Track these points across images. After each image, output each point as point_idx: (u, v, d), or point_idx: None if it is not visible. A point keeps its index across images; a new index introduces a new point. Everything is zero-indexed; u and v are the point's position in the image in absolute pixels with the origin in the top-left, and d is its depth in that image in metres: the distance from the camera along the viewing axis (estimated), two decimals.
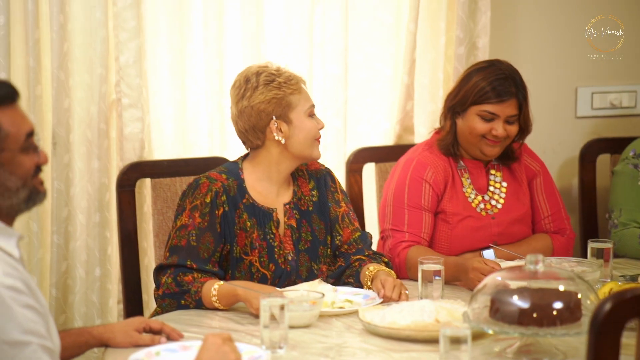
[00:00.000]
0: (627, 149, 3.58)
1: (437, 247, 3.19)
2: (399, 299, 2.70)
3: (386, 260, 2.99)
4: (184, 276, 2.74)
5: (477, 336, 2.38)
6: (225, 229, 2.82)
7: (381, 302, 2.67)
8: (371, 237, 3.05)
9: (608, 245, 2.94)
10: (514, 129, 3.17)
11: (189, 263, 2.76)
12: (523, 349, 2.31)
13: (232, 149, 3.52)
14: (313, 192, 2.97)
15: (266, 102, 2.83)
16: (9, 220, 2.03)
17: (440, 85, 3.75)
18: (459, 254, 3.17)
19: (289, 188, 2.95)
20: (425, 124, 3.72)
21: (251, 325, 2.54)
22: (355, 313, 2.61)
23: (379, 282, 2.77)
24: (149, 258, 3.41)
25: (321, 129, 2.91)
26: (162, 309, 2.76)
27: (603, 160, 3.95)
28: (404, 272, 3.06)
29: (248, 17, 3.53)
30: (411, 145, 3.47)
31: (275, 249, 2.87)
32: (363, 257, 2.95)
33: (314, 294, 2.61)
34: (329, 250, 2.96)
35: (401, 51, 3.75)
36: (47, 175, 3.28)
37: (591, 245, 2.96)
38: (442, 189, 3.19)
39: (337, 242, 2.96)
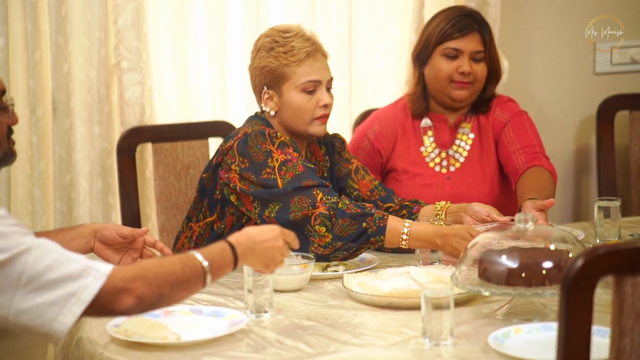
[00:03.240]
0: None
1: None
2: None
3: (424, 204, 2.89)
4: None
5: (466, 298, 2.31)
6: None
7: (375, 266, 2.61)
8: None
9: (616, 203, 2.83)
10: (481, 69, 3.07)
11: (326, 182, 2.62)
12: (513, 309, 2.23)
13: (235, 113, 3.47)
14: (326, 158, 2.87)
15: (259, 68, 2.71)
16: None
17: None
18: None
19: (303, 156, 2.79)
20: None
21: (240, 290, 2.49)
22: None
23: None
24: (152, 223, 3.37)
25: (324, 105, 2.70)
26: (334, 230, 2.53)
27: (622, 117, 3.82)
28: None
29: None
30: None
31: None
32: (393, 205, 2.86)
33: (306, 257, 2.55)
34: None
35: (409, 9, 3.65)
36: (49, 140, 3.26)
37: (598, 203, 2.85)
38: (388, 144, 3.13)
39: (356, 194, 2.86)
